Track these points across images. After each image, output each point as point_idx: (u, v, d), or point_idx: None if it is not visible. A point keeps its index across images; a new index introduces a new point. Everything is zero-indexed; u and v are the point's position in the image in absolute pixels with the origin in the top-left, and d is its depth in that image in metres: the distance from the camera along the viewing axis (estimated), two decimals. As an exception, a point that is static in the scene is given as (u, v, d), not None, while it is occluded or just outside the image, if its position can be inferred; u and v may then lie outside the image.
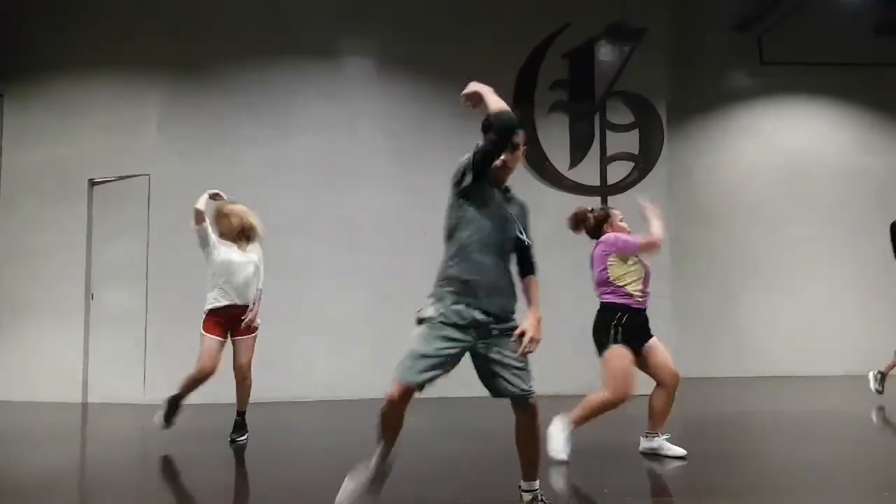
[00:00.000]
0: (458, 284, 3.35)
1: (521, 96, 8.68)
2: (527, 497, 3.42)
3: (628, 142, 8.71)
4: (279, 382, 7.49)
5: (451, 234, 3.48)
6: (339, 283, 8.17)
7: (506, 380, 3.30)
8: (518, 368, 3.31)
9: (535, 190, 8.60)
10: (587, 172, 8.67)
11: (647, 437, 4.94)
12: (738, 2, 9.92)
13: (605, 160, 8.72)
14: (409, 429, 3.48)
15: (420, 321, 3.41)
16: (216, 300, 5.47)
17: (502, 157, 3.39)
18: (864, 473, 4.63)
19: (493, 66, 8.57)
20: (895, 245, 7.33)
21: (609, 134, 8.76)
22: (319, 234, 8.18)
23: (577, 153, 8.71)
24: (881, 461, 4.97)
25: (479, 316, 3.30)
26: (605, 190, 8.63)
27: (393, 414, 3.32)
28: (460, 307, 3.31)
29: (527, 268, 3.56)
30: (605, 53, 8.89)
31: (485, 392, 3.47)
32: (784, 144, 10.57)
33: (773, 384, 9.27)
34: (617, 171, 8.68)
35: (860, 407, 7.41)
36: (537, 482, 3.43)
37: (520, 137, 3.46)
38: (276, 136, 8.29)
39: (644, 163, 8.76)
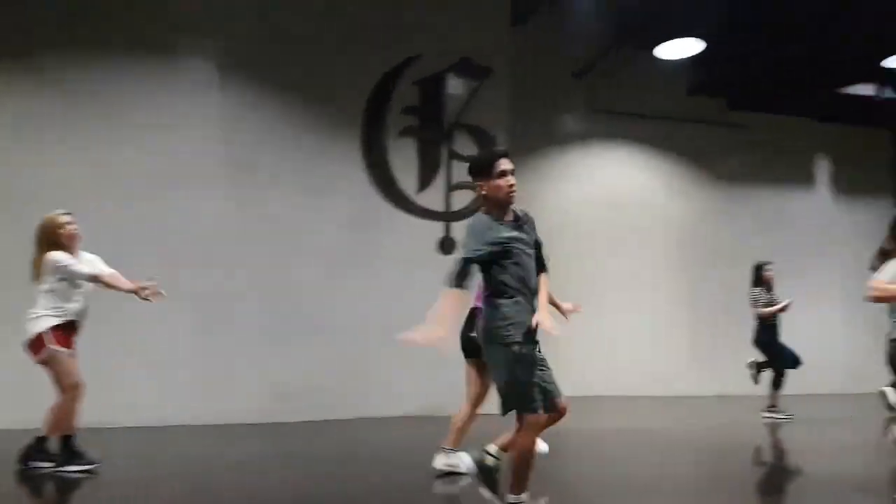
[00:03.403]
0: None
1: (372, 117, 8.87)
2: None
3: (473, 172, 9.09)
4: (92, 408, 6.93)
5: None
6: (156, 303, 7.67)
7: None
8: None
9: (382, 211, 8.83)
10: (434, 198, 8.99)
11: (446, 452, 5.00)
12: (575, 51, 10.69)
13: (449, 188, 9.10)
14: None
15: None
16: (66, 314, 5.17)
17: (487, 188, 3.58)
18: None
19: (344, 85, 8.75)
20: None
21: (455, 163, 9.14)
22: (136, 244, 7.43)
23: (425, 179, 9.01)
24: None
25: None
26: (449, 216, 9.01)
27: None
28: None
29: (539, 266, 3.75)
30: (453, 86, 9.25)
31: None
32: (608, 184, 11.49)
33: (590, 403, 10.00)
34: (461, 199, 9.07)
35: (661, 424, 8.24)
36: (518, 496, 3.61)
37: (502, 164, 3.57)
38: (95, 137, 7.80)
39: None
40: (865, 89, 11.33)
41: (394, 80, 9.01)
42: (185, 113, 8.18)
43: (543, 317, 3.54)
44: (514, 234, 3.59)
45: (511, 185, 3.55)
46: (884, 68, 10.30)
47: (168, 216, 7.98)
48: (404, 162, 8.97)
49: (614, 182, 11.56)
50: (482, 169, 3.60)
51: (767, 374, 8.54)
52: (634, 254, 11.32)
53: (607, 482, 5.04)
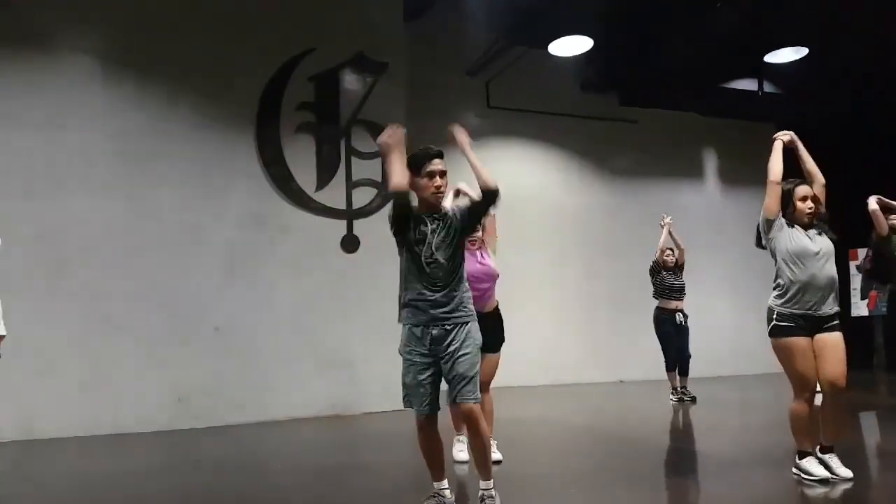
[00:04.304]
0: None
1: (266, 113, 8.69)
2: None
3: (372, 169, 9.02)
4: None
5: None
6: (39, 307, 7.31)
7: None
8: None
9: (280, 210, 8.67)
10: (334, 196, 8.87)
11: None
12: (469, 49, 10.78)
13: (350, 185, 9.02)
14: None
15: None
16: None
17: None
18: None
19: (236, 80, 8.54)
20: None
21: (354, 160, 9.06)
22: (19, 245, 6.84)
23: (324, 176, 8.87)
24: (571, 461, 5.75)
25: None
26: (350, 214, 8.93)
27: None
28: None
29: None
30: (350, 82, 9.16)
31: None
32: (507, 180, 11.40)
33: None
34: (361, 197, 9.00)
35: (553, 414, 8.43)
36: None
37: (432, 164, 3.69)
38: None
39: (386, 190, 9.19)
40: (748, 84, 11.87)
41: (288, 74, 8.85)
42: (67, 107, 7.80)
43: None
44: (428, 228, 3.66)
45: (437, 187, 3.68)
46: (765, 63, 10.81)
47: (52, 216, 7.61)
48: (302, 159, 8.80)
49: (510, 178, 11.64)
50: (412, 165, 3.72)
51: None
52: (531, 248, 11.51)
53: (512, 473, 5.09)
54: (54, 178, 7.68)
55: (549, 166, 12.08)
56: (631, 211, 12.26)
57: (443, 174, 3.71)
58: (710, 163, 13.46)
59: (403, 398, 3.72)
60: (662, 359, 8.84)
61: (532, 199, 11.71)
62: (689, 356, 8.80)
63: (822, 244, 4.41)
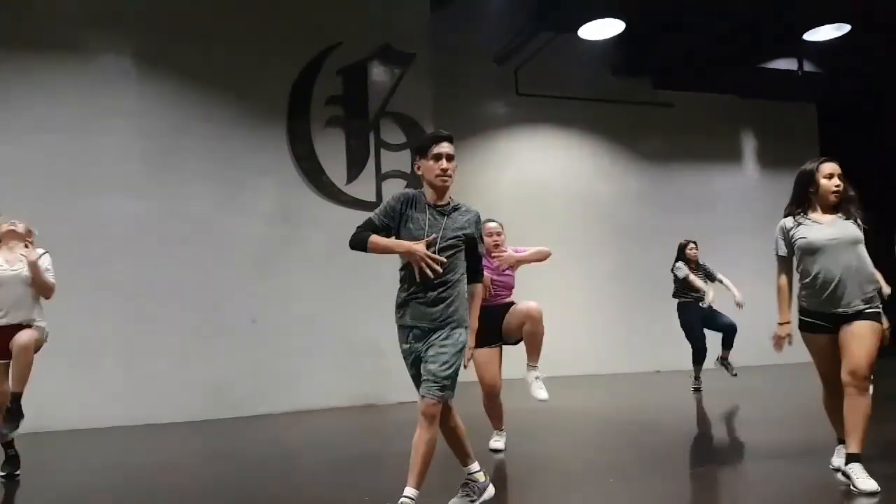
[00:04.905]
0: None
1: (296, 109, 8.72)
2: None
3: (401, 161, 9.02)
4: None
5: None
6: (78, 302, 7.31)
7: None
8: None
9: (311, 204, 8.68)
10: (363, 188, 8.86)
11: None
12: (496, 36, 10.67)
13: (379, 177, 8.99)
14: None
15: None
16: None
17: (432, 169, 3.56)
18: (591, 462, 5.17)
19: (264, 76, 8.58)
20: None
21: (383, 152, 9.04)
22: (56, 244, 7.19)
23: (354, 169, 8.88)
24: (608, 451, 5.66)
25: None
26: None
27: None
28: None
29: (472, 272, 3.68)
30: (377, 74, 9.14)
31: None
32: (536, 168, 11.51)
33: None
34: (391, 189, 8.96)
35: (588, 404, 8.32)
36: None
37: (439, 147, 3.56)
38: (3, 134, 7.55)
39: (415, 182, 9.14)
40: (787, 63, 11.55)
41: (317, 69, 8.86)
42: (100, 109, 7.92)
43: (470, 337, 3.60)
44: (428, 219, 3.54)
45: (444, 170, 3.54)
46: (805, 41, 10.49)
47: (90, 214, 7.76)
48: (332, 152, 8.82)
49: (539, 166, 11.59)
50: (420, 148, 3.67)
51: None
52: (562, 236, 11.34)
53: (542, 462, 5.03)
54: (91, 177, 7.82)
55: (580, 153, 11.92)
56: (664, 197, 12.06)
57: (450, 157, 3.56)
58: (748, 145, 13.15)
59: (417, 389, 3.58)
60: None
61: (563, 187, 11.59)
62: (733, 328, 8.47)
63: (836, 232, 4.01)
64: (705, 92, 12.17)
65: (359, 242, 3.56)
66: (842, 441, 4.19)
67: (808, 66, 11.54)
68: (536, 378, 5.23)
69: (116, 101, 8.00)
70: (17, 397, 4.94)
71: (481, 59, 11.06)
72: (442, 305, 3.48)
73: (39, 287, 5.07)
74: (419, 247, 3.43)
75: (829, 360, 4.05)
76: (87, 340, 7.51)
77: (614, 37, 10.10)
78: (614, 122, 11.88)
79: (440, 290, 3.48)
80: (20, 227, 5.18)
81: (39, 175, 7.61)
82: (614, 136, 12.00)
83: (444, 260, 3.47)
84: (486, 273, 4.61)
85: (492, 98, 11.33)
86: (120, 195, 7.90)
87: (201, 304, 8.04)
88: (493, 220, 5.33)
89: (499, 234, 5.27)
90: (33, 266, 4.98)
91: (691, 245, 8.66)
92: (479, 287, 3.70)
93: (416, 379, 3.59)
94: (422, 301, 3.50)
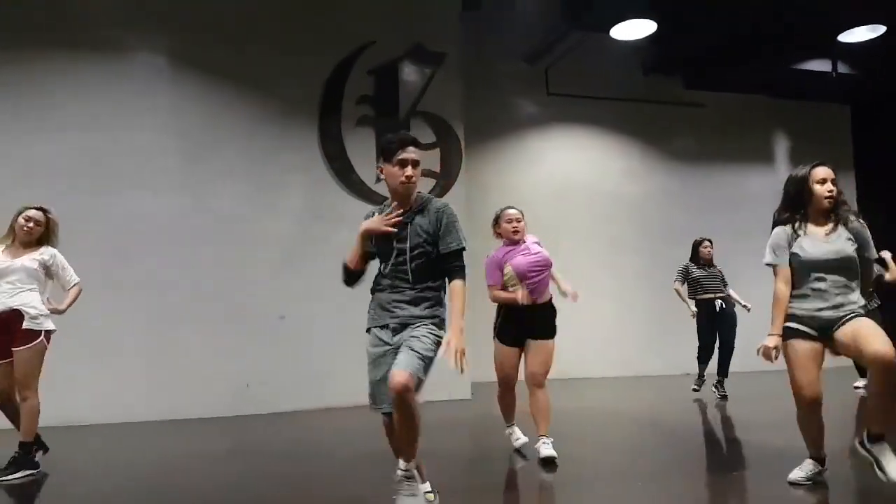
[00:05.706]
0: None
1: (328, 108, 8.81)
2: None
3: (430, 160, 9.02)
4: (48, 406, 6.79)
5: None
6: (107, 297, 7.49)
7: None
8: None
9: (341, 202, 8.76)
10: (393, 187, 8.90)
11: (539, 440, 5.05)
12: (527, 36, 10.67)
13: (409, 176, 9.02)
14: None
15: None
16: None
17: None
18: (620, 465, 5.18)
19: (296, 75, 8.67)
20: None
21: (413, 152, 9.06)
22: (88, 240, 7.33)
23: (384, 169, 8.93)
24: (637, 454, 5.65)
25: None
26: (408, 205, 8.93)
27: None
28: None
29: (450, 270, 3.52)
30: (408, 73, 9.20)
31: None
32: (566, 168, 11.52)
33: (556, 387, 10.03)
34: (421, 188, 8.99)
35: (618, 406, 8.29)
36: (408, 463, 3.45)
37: (404, 152, 3.43)
38: (37, 133, 7.68)
39: (445, 181, 9.21)
40: (821, 64, 11.41)
41: (348, 68, 8.93)
42: (134, 108, 8.06)
43: (452, 335, 3.28)
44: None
45: (409, 177, 3.42)
46: (839, 42, 10.36)
47: (119, 212, 7.89)
48: (362, 152, 8.87)
49: (570, 166, 11.57)
50: (384, 152, 3.49)
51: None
52: (592, 236, 11.36)
53: (579, 463, 5.05)
54: (123, 175, 7.95)
55: (610, 153, 11.87)
56: (694, 197, 11.98)
57: (415, 164, 3.43)
58: (780, 146, 13.01)
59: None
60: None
61: (592, 186, 11.56)
62: (729, 347, 8.36)
63: (832, 250, 3.89)
64: (737, 93, 12.07)
65: (344, 274, 3.64)
66: (813, 457, 4.12)
67: (842, 68, 11.38)
68: (545, 442, 5.02)
69: (150, 100, 8.12)
70: (23, 446, 4.93)
71: (512, 59, 11.07)
72: (419, 307, 3.45)
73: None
74: (374, 220, 3.49)
75: (809, 370, 3.86)
76: (115, 335, 7.66)
77: (646, 37, 10.05)
78: (645, 122, 11.83)
79: (418, 291, 3.46)
80: (35, 232, 5.16)
81: (72, 173, 7.76)
82: (645, 135, 11.94)
83: (401, 211, 3.45)
84: (514, 262, 4.69)
85: (522, 98, 11.33)
86: (152, 192, 8.03)
87: (230, 300, 8.15)
88: (513, 207, 5.30)
89: (518, 220, 5.21)
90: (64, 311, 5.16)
91: (706, 243, 8.60)
92: (457, 284, 3.44)
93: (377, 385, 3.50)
94: (394, 300, 3.48)
